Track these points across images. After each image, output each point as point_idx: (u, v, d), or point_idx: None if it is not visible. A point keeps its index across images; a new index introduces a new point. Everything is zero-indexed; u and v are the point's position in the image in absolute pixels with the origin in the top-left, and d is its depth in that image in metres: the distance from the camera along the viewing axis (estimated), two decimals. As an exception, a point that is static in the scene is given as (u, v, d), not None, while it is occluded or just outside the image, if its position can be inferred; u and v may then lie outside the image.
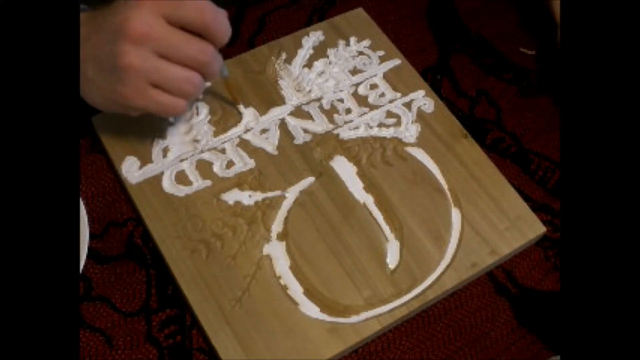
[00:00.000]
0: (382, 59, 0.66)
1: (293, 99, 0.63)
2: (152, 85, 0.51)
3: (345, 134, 0.61)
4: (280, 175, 0.59)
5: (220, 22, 0.51)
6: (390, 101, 0.64)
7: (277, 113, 0.62)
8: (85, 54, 0.50)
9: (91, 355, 0.51)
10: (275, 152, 0.60)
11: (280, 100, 0.63)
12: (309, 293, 0.53)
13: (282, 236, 0.56)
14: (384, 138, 0.61)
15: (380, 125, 0.62)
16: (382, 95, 0.64)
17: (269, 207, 0.57)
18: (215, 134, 0.60)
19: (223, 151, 0.59)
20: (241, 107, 0.61)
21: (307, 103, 0.63)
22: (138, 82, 0.50)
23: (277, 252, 0.55)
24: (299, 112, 0.62)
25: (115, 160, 0.58)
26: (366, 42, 0.67)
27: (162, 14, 0.49)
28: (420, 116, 0.63)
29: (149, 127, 0.60)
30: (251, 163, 0.59)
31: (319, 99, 0.63)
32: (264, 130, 0.61)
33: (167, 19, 0.50)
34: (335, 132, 0.61)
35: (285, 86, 0.64)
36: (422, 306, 0.54)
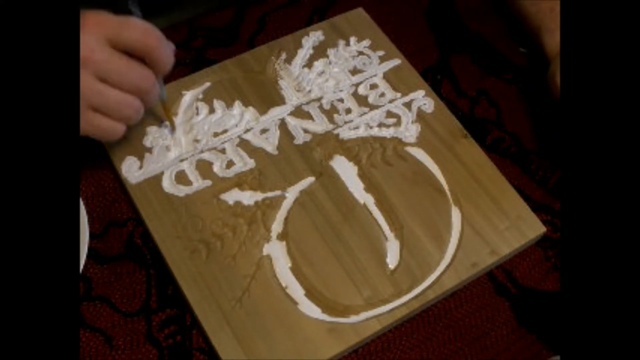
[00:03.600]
0: (382, 59, 0.66)
1: (293, 99, 0.63)
2: (92, 109, 0.51)
3: (345, 134, 0.61)
4: (280, 175, 0.59)
5: (164, 49, 0.51)
6: (390, 101, 0.64)
7: (277, 113, 0.62)
8: None
9: (91, 355, 0.51)
10: (275, 152, 0.60)
11: (280, 100, 0.63)
12: (310, 294, 0.53)
13: (282, 236, 0.56)
14: (384, 138, 0.61)
15: (380, 125, 0.62)
16: (382, 95, 0.64)
17: (269, 207, 0.57)
18: (215, 134, 0.60)
19: (223, 151, 0.59)
20: (172, 131, 0.60)
21: (307, 103, 0.63)
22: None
23: (277, 252, 0.55)
24: (299, 112, 0.62)
25: (115, 160, 0.58)
26: (366, 42, 0.67)
27: (106, 38, 0.49)
28: (420, 116, 0.63)
29: (149, 127, 0.60)
30: (251, 163, 0.59)
31: (319, 99, 0.63)
32: (264, 130, 0.61)
33: (111, 43, 0.50)
34: (335, 132, 0.61)
35: (285, 86, 0.64)
36: (422, 306, 0.54)
